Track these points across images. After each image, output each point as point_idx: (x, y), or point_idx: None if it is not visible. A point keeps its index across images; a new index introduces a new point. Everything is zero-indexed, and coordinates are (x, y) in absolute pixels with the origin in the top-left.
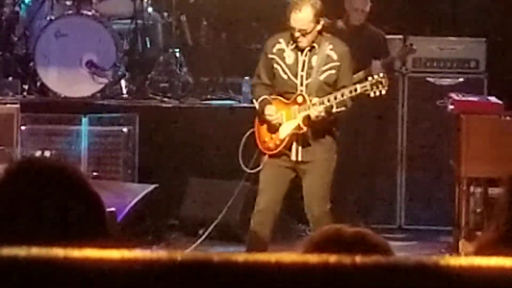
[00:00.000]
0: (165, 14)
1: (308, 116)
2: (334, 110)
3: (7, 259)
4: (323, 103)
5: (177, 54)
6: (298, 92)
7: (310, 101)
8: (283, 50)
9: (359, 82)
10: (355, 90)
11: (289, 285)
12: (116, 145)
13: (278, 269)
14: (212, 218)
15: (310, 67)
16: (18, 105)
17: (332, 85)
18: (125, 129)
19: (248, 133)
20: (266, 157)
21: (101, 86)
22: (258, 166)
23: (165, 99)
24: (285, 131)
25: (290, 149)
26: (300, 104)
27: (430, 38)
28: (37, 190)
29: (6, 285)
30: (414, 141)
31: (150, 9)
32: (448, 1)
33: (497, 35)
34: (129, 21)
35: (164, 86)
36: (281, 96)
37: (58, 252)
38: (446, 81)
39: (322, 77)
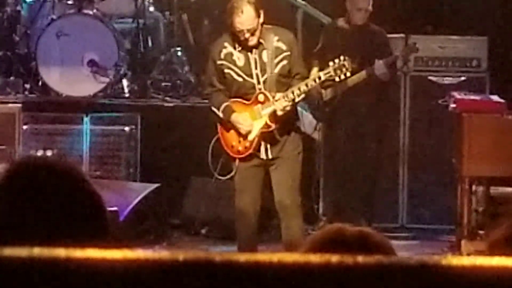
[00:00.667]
0: (167, 13)
1: (274, 113)
2: (296, 100)
3: (9, 259)
4: (287, 96)
5: (179, 54)
6: (257, 90)
7: (273, 97)
8: (231, 54)
9: (361, 81)
10: (319, 78)
11: (291, 285)
12: (118, 145)
13: (280, 269)
14: (214, 217)
15: (263, 63)
16: (19, 105)
17: (288, 76)
18: (127, 129)
19: (213, 141)
20: (237, 161)
21: (103, 85)
22: (230, 171)
23: (167, 98)
24: (253, 132)
25: (259, 149)
26: (262, 103)
27: (432, 37)
28: (37, 190)
29: (8, 285)
30: (416, 140)
31: (151, 9)
32: (450, 0)
33: (499, 33)
34: (130, 20)
35: (166, 86)
36: (240, 98)
37: (60, 252)
38: (448, 80)
39: (276, 70)
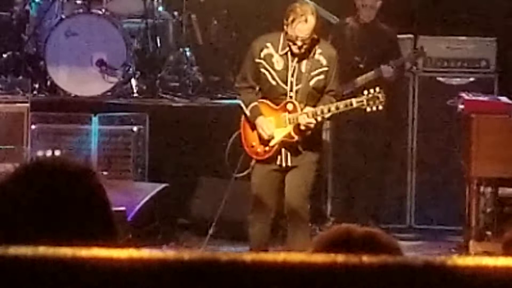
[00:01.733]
0: (176, 13)
1: (298, 125)
2: (326, 116)
3: (14, 258)
4: (316, 114)
5: (188, 53)
6: (288, 98)
7: (301, 109)
8: (271, 55)
9: (368, 83)
10: (351, 104)
11: (296, 284)
12: (126, 144)
13: (286, 269)
14: (222, 218)
15: (300, 73)
16: (28, 104)
17: (321, 90)
18: (135, 128)
19: (234, 135)
20: (254, 160)
21: (111, 85)
22: (246, 168)
23: (176, 98)
24: (275, 139)
25: (278, 155)
26: (290, 112)
27: (440, 37)
28: (44, 190)
29: (13, 284)
30: (424, 141)
31: (160, 8)
32: (458, 1)
33: (508, 34)
34: (139, 20)
35: (175, 85)
36: (269, 100)
37: (65, 251)
38: (457, 81)
39: (311, 83)
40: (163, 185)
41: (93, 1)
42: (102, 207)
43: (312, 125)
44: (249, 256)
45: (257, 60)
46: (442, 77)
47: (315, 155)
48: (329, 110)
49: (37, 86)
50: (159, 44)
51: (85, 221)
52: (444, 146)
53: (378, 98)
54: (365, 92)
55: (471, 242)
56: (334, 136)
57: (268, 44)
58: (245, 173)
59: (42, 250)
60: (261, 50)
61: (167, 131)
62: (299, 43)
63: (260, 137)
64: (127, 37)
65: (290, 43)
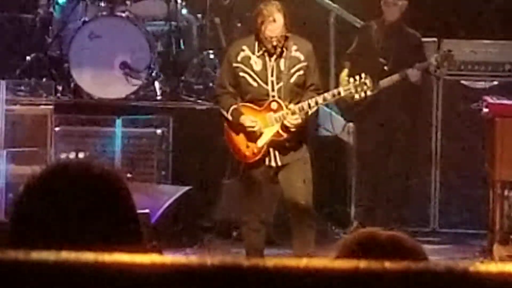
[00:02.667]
0: (199, 16)
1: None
2: (310, 112)
3: (36, 263)
4: (302, 108)
5: (211, 56)
6: (270, 98)
7: (287, 107)
8: (249, 57)
9: (393, 85)
10: (339, 93)
11: None
12: (150, 147)
13: (308, 274)
14: None
15: (279, 71)
16: (51, 107)
17: (302, 86)
18: (159, 131)
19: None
20: (242, 164)
21: (135, 87)
22: (235, 174)
23: (199, 100)
24: (263, 139)
25: (267, 156)
26: (275, 111)
27: (464, 41)
28: (69, 193)
29: None
30: (448, 144)
31: (184, 11)
32: (482, 4)
33: None
34: (163, 22)
35: (198, 88)
36: (251, 103)
37: (87, 256)
38: (481, 84)
39: (292, 80)
40: (187, 187)
41: (117, 4)
42: (127, 210)
43: (300, 121)
44: (271, 262)
45: (235, 65)
46: (466, 80)
47: (305, 151)
48: (316, 103)
49: (60, 88)
50: (182, 47)
51: (111, 224)
52: (468, 149)
53: (365, 84)
54: (351, 79)
55: (495, 246)
56: (358, 140)
57: (244, 47)
58: (234, 178)
59: (65, 255)
60: (237, 54)
61: (190, 134)
62: (274, 42)
63: (248, 138)
64: (151, 40)
65: (265, 44)
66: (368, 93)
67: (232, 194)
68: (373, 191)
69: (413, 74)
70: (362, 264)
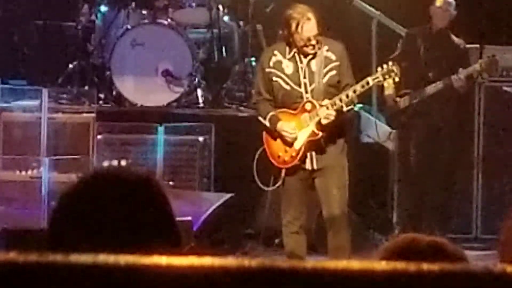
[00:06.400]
0: (241, 23)
1: (320, 121)
2: (344, 109)
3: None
4: (335, 104)
5: (253, 63)
6: (305, 99)
7: (320, 105)
8: (280, 62)
9: (438, 92)
10: (367, 83)
11: None
12: (192, 154)
13: (346, 276)
14: None
15: (311, 73)
16: (94, 114)
17: (336, 86)
18: (201, 138)
19: (259, 150)
20: (283, 172)
21: (177, 95)
22: (277, 182)
23: (241, 108)
24: (300, 141)
25: (305, 160)
26: (310, 111)
27: (506, 47)
28: (109, 200)
29: None
30: (491, 150)
31: (226, 18)
32: None
33: None
34: (205, 30)
35: (240, 95)
36: (286, 107)
37: (126, 259)
38: None
39: (325, 80)
40: (229, 195)
41: (159, 11)
42: (164, 216)
43: (332, 117)
44: (309, 264)
45: (268, 70)
46: (508, 86)
47: (341, 154)
48: (347, 96)
49: (103, 96)
50: (224, 54)
51: (148, 231)
52: (510, 155)
53: (393, 71)
54: (379, 68)
55: None
56: (400, 146)
57: (276, 52)
58: (276, 186)
59: (103, 258)
60: (270, 59)
61: (232, 141)
62: (313, 41)
63: (285, 143)
64: (193, 47)
65: (306, 45)
66: (396, 79)
67: (274, 201)
68: (416, 198)
69: (457, 80)
70: (400, 265)
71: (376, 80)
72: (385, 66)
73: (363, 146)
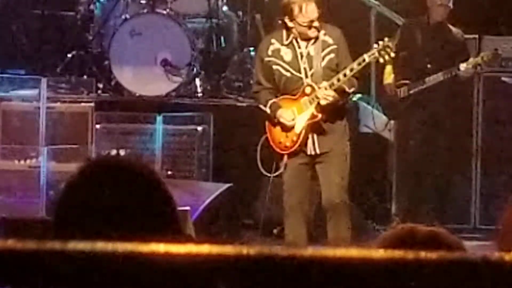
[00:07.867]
0: (240, 13)
1: (319, 102)
2: (347, 90)
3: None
4: (333, 84)
5: (252, 53)
6: (305, 84)
7: (319, 87)
8: (278, 50)
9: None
10: (364, 60)
11: (354, 278)
12: (191, 144)
13: (344, 264)
14: None
15: (310, 57)
16: (92, 104)
17: (335, 69)
18: (199, 128)
19: (262, 139)
20: (285, 158)
21: (176, 85)
22: (278, 169)
23: (240, 98)
24: (300, 124)
25: (306, 144)
26: (309, 94)
27: (505, 37)
28: (108, 189)
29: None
30: (490, 140)
31: (225, 8)
32: None
33: None
34: (204, 20)
35: (239, 85)
36: (288, 93)
37: (124, 246)
38: None
39: (324, 63)
40: (227, 185)
41: (158, 1)
42: (164, 204)
43: (331, 97)
44: (308, 251)
45: (266, 59)
46: (507, 77)
47: (342, 139)
48: (344, 75)
49: (101, 85)
50: (223, 44)
51: (148, 218)
52: (508, 146)
53: (388, 46)
54: (375, 45)
55: None
56: (399, 136)
57: (273, 40)
58: (278, 173)
59: (101, 245)
60: (267, 48)
61: (231, 131)
62: (315, 23)
63: (285, 129)
64: (192, 37)
65: (308, 27)
66: (392, 55)
67: (272, 191)
68: (414, 188)
69: (466, 69)
70: (397, 253)
71: (372, 56)
72: (380, 42)
73: (361, 136)
